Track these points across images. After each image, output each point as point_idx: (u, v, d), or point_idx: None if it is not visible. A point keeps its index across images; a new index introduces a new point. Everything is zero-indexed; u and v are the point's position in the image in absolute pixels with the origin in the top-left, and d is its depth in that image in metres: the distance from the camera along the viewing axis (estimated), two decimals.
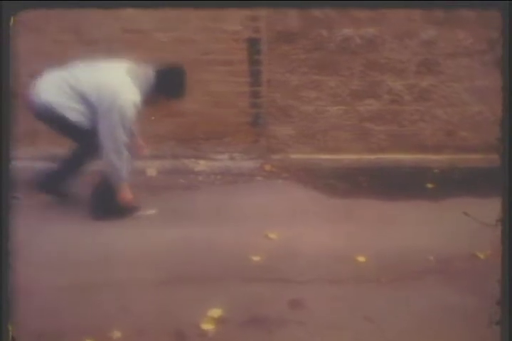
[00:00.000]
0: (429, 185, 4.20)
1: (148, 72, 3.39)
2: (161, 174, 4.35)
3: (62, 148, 4.32)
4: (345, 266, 3.11)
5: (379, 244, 3.34)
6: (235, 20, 4.12)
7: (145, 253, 3.21)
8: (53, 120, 3.45)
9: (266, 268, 3.06)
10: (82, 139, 3.49)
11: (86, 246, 3.28)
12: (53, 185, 3.76)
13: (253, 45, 4.19)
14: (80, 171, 3.71)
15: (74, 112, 3.37)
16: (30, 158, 4.38)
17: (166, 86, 3.40)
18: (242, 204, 3.87)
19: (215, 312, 2.63)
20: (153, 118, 4.02)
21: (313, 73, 4.33)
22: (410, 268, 3.09)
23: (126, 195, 3.55)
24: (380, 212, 3.81)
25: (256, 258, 3.15)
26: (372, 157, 4.53)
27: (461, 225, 3.04)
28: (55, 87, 3.39)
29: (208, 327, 2.55)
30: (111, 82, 3.33)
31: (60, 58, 4.14)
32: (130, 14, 4.07)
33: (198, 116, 4.36)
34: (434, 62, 4.34)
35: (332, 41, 4.26)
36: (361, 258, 3.18)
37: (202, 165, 4.43)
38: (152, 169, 4.35)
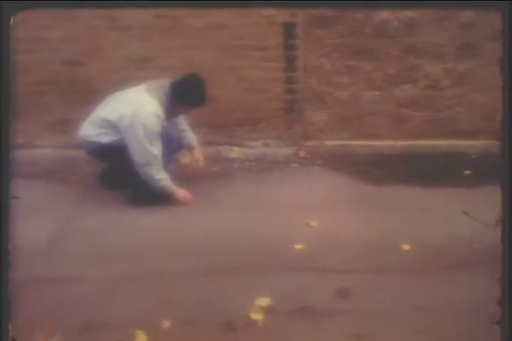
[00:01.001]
0: (467, 172, 4.12)
1: (165, 85, 3.46)
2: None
3: None
4: (390, 254, 3.06)
5: (420, 231, 3.28)
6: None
7: (184, 242, 3.19)
8: (93, 150, 3.62)
9: (310, 257, 3.02)
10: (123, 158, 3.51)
11: (124, 234, 3.28)
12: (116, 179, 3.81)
13: (288, 30, 4.12)
14: None
15: (103, 136, 3.52)
16: (63, 146, 4.39)
17: (184, 96, 3.45)
18: (279, 191, 3.85)
19: (264, 302, 2.60)
20: None
21: (349, 58, 4.25)
22: (455, 257, 3.03)
23: (182, 197, 3.58)
24: (417, 200, 3.75)
25: (299, 247, 3.11)
26: (407, 143, 4.44)
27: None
28: (87, 124, 3.60)
29: (256, 316, 2.52)
30: (129, 99, 3.46)
31: (93, 45, 4.16)
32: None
33: (232, 103, 4.31)
34: (473, 46, 4.24)
35: (368, 25, 4.17)
36: (406, 247, 3.12)
37: (236, 152, 4.39)
38: (186, 157, 4.31)
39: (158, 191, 3.53)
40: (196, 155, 3.90)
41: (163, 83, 3.48)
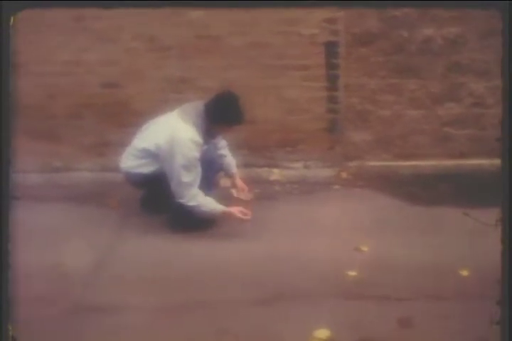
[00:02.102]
0: None
1: (198, 107, 3.38)
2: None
3: None
4: (448, 280, 2.92)
5: (477, 256, 3.12)
6: (311, 23, 3.99)
7: (231, 268, 3.08)
8: (135, 181, 3.57)
9: (365, 284, 2.89)
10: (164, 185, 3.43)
11: (168, 262, 3.17)
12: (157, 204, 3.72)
13: (330, 49, 4.04)
14: None
15: (144, 167, 3.46)
16: (100, 169, 4.34)
17: (220, 115, 3.34)
18: (324, 214, 3.72)
19: (323, 333, 2.47)
20: None
21: (392, 76, 4.17)
22: None
23: (237, 213, 3.43)
24: (467, 221, 3.60)
25: (352, 273, 2.98)
26: (452, 163, 4.33)
27: None
28: (127, 155, 3.55)
29: None
30: (163, 127, 3.38)
31: (132, 66, 4.12)
32: (202, 19, 3.97)
33: (272, 124, 4.23)
34: None
35: (412, 42, 4.09)
36: (464, 272, 2.98)
37: (276, 174, 4.29)
38: (226, 179, 4.22)
39: (204, 216, 3.44)
40: (238, 183, 3.80)
41: (197, 105, 3.40)
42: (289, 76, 4.11)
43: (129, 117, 4.11)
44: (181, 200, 3.35)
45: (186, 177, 3.30)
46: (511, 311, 1.99)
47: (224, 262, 3.14)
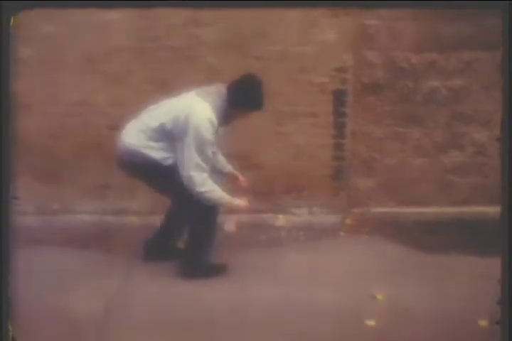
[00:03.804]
0: None
1: (219, 89, 3.24)
2: (239, 229, 4.18)
3: (134, 201, 4.26)
4: (470, 331, 2.89)
5: (495, 305, 3.12)
6: (322, 72, 4.05)
7: (243, 316, 3.01)
8: (136, 163, 3.28)
9: (386, 335, 2.85)
10: (170, 180, 3.25)
11: (177, 309, 3.09)
12: (162, 250, 3.65)
13: (339, 97, 4.11)
14: (183, 227, 3.56)
15: (155, 151, 3.23)
16: (101, 212, 4.27)
17: (241, 98, 3.21)
18: (333, 261, 3.70)
19: None
20: None
21: (398, 125, 4.24)
22: None
23: (238, 205, 3.40)
24: (477, 269, 3.60)
25: (371, 323, 2.94)
26: (455, 209, 4.36)
27: None
28: (134, 131, 3.29)
29: None
30: (182, 105, 3.20)
31: (140, 109, 4.11)
32: (215, 65, 4.02)
33: (278, 169, 4.24)
34: None
35: (418, 93, 4.19)
36: (483, 323, 2.96)
37: (282, 219, 4.27)
38: (231, 224, 4.18)
39: (211, 204, 3.29)
40: (236, 174, 3.64)
41: (218, 87, 3.26)
42: (298, 123, 4.15)
43: None
44: (191, 186, 3.15)
45: (199, 159, 3.13)
46: (511, 311, 2.02)
47: (234, 309, 3.08)
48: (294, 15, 3.97)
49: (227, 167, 3.64)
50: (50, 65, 4.02)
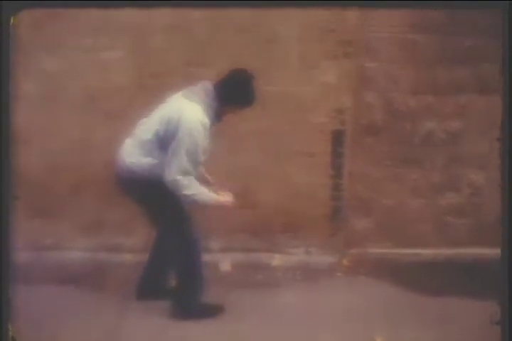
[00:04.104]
0: None
1: (206, 88, 3.14)
2: (235, 269, 4.14)
3: (129, 238, 4.21)
4: None
5: None
6: (321, 113, 4.08)
7: None
8: (135, 181, 3.20)
9: None
10: (165, 199, 3.20)
11: None
12: (154, 288, 3.59)
13: (337, 137, 4.12)
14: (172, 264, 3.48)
15: (151, 167, 3.14)
16: (95, 248, 4.21)
17: (231, 94, 3.13)
18: (330, 303, 3.68)
19: None
20: None
21: (396, 166, 4.26)
22: None
23: (224, 202, 3.30)
24: (475, 312, 3.56)
25: None
26: (452, 251, 4.36)
27: None
28: (130, 148, 3.23)
29: None
30: (172, 109, 3.12)
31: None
32: None
33: (275, 209, 4.21)
34: None
35: (416, 135, 4.22)
36: None
37: (278, 259, 4.23)
38: (226, 263, 4.16)
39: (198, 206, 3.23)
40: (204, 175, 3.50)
41: (205, 84, 3.15)
42: (296, 162, 4.15)
43: None
44: (177, 190, 3.07)
45: (187, 163, 3.03)
46: (511, 311, 2.05)
47: None
48: (294, 55, 4.01)
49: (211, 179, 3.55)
50: (50, 101, 4.02)
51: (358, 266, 4.25)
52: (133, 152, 3.20)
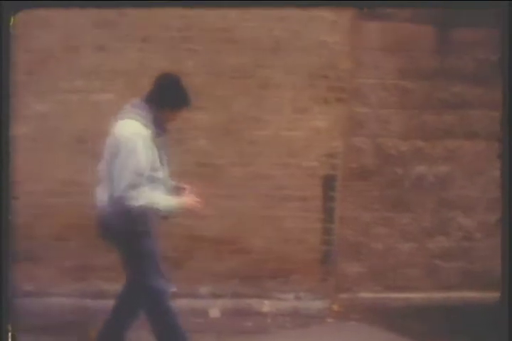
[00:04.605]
0: None
1: (135, 103, 3.06)
2: (224, 315, 4.06)
3: (115, 283, 4.09)
4: None
5: None
6: (312, 157, 4.08)
7: None
8: (105, 227, 3.13)
9: None
10: (132, 246, 3.09)
11: None
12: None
13: (328, 182, 4.11)
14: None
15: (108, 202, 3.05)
16: (80, 294, 4.09)
17: (163, 99, 3.02)
18: None
19: None
20: None
21: (386, 210, 4.27)
22: None
23: (189, 206, 3.07)
24: None
25: None
26: (442, 295, 4.37)
27: None
28: (101, 193, 3.14)
29: None
30: (113, 135, 3.04)
31: None
32: (205, 148, 4.03)
33: (266, 253, 4.16)
34: None
35: (406, 179, 4.25)
36: None
37: (267, 305, 4.15)
38: (215, 309, 4.07)
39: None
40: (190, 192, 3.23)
41: (132, 103, 3.07)
42: (287, 207, 4.12)
43: None
44: (127, 205, 2.91)
45: (131, 177, 2.90)
46: (511, 311, 2.13)
47: None
48: (286, 100, 4.04)
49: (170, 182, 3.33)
50: (39, 144, 3.96)
51: (348, 312, 4.21)
52: (100, 192, 3.15)
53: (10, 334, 2.03)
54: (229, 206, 4.04)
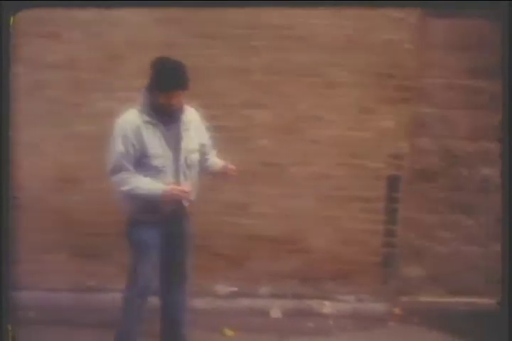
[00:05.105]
0: None
1: (140, 92, 3.06)
2: (285, 315, 4.03)
3: None
4: None
5: None
6: (377, 158, 4.03)
7: None
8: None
9: None
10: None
11: None
12: None
13: (392, 183, 4.05)
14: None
15: None
16: None
17: (154, 81, 2.96)
18: None
19: None
20: None
21: (450, 212, 4.18)
22: None
23: (178, 194, 3.00)
24: None
25: None
26: None
27: None
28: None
29: None
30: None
31: None
32: (269, 147, 4.02)
33: (326, 254, 4.12)
34: None
35: (471, 181, 4.16)
36: None
37: (328, 306, 4.11)
38: (276, 310, 4.05)
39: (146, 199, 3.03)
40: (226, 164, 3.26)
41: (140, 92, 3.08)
42: (349, 207, 4.08)
43: None
44: (116, 188, 3.00)
45: (117, 160, 2.96)
46: (511, 310, 2.04)
47: None
48: (351, 100, 3.99)
49: (218, 163, 3.31)
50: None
51: (410, 315, 4.12)
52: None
53: (10, 334, 2.03)
54: (290, 206, 4.03)
